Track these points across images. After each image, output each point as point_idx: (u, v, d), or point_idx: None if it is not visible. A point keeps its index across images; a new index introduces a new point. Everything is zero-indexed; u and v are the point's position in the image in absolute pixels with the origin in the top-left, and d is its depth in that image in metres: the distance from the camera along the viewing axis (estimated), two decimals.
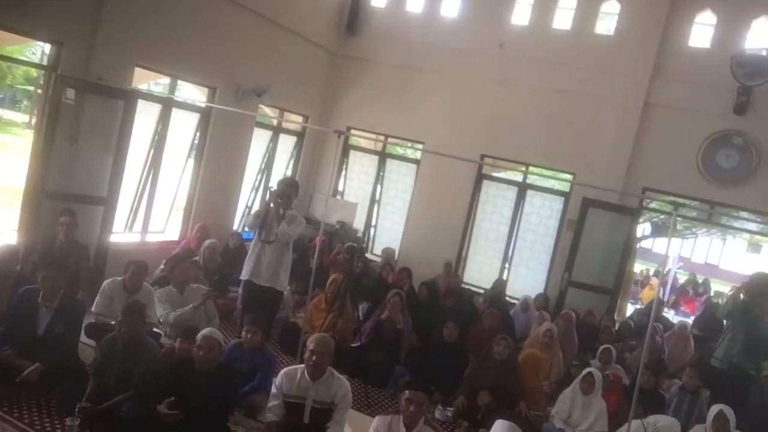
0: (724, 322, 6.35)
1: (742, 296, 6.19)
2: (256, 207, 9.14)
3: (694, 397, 5.82)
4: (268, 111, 9.82)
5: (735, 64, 8.02)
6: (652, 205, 9.99)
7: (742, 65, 8.00)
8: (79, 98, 6.21)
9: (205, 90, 8.34)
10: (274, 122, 10.00)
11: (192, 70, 7.80)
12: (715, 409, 5.14)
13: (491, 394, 5.62)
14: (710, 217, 9.98)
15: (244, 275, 5.87)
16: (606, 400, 5.60)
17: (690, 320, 10.28)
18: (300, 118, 10.36)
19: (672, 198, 8.60)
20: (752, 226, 10.50)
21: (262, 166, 9.69)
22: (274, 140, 9.81)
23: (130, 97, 6.68)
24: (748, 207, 8.77)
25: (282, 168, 10.14)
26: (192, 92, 8.77)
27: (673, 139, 8.63)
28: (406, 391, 3.97)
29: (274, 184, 6.36)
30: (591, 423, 5.39)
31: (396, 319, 6.34)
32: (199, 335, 4.21)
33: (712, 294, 16.14)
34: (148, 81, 8.95)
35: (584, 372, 5.56)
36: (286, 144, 10.20)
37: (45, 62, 6.67)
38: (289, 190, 5.82)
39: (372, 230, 10.74)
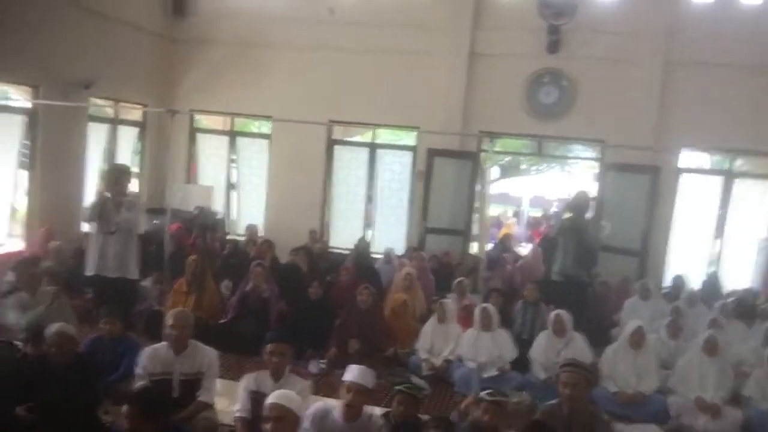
0: (558, 240, 7.05)
1: (567, 214, 6.92)
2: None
3: (535, 309, 6.50)
4: (102, 103, 9.42)
5: (541, 5, 8.74)
6: (495, 148, 10.74)
7: (547, 5, 8.72)
8: None
9: (28, 89, 7.86)
10: (111, 114, 9.60)
11: (7, 69, 7.31)
12: (552, 314, 5.82)
13: (360, 341, 5.98)
14: (541, 150, 10.89)
15: (90, 270, 5.71)
16: (464, 326, 6.13)
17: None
18: (138, 107, 10.02)
19: (505, 137, 9.46)
20: (583, 154, 11.63)
21: (104, 162, 9.30)
22: (112, 133, 9.43)
23: None
24: (573, 137, 9.71)
25: (126, 161, 9.78)
26: (14, 93, 8.23)
27: (499, 83, 9.32)
28: (268, 346, 4.17)
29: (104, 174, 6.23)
30: (451, 348, 5.89)
31: (261, 289, 6.48)
32: (48, 332, 4.14)
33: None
34: None
35: (440, 304, 6.04)
36: (128, 136, 9.84)
37: None
38: (119, 175, 5.73)
39: (233, 211, 10.70)
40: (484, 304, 5.60)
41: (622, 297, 7.59)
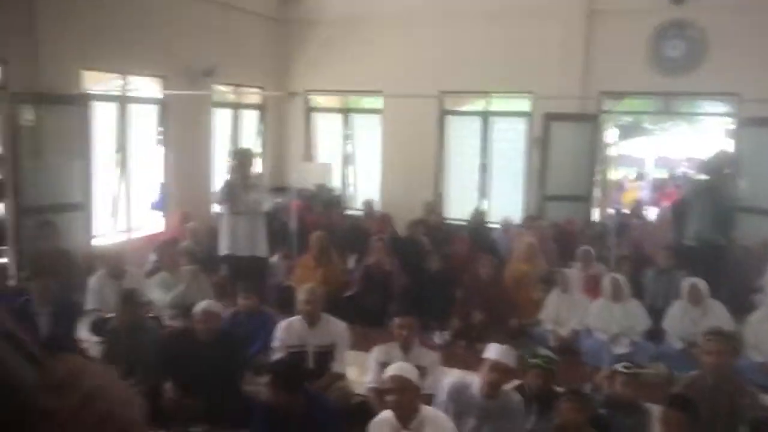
0: (693, 203, 6.61)
1: (703, 175, 6.47)
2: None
3: (669, 277, 6.16)
4: (223, 89, 9.89)
5: None
6: (615, 108, 10.21)
7: None
8: (35, 113, 6.31)
9: (158, 80, 8.40)
10: (232, 100, 10.08)
11: (139, 62, 7.85)
12: (687, 282, 5.50)
13: (482, 312, 5.96)
14: (668, 108, 10.20)
15: (223, 250, 6.04)
16: (590, 295, 5.94)
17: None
18: (257, 91, 10.44)
19: (629, 97, 8.94)
20: (713, 110, 10.75)
21: (230, 146, 9.81)
22: (236, 117, 9.91)
23: (81, 102, 6.78)
24: (703, 92, 9.01)
25: (250, 144, 10.26)
26: (146, 84, 8.82)
27: (620, 40, 8.79)
28: (396, 319, 4.28)
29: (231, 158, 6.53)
30: (578, 318, 5.73)
31: (382, 263, 6.61)
32: (196, 309, 4.44)
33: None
34: (105, 81, 8.99)
35: (561, 272, 5.88)
36: (250, 119, 10.31)
37: None
38: (244, 159, 6.00)
39: (351, 187, 10.94)
40: (614, 274, 5.38)
41: (763, 261, 7.02)
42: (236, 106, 10.04)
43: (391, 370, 3.23)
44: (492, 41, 9.32)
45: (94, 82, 7.64)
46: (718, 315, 5.33)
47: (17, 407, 0.64)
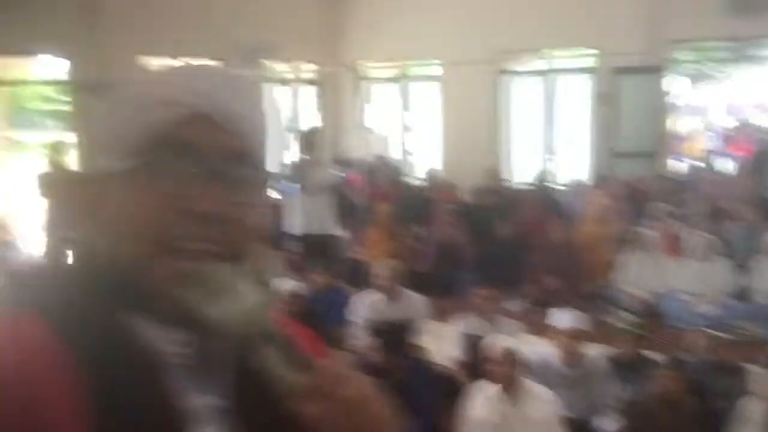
0: None
1: None
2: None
3: (754, 232, 5.88)
4: (278, 67, 9.93)
5: None
6: (682, 57, 9.74)
7: None
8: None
9: (216, 62, 8.49)
10: (289, 77, 10.12)
11: (195, 45, 7.92)
12: None
13: (557, 278, 5.87)
14: (741, 53, 9.66)
15: (294, 229, 6.07)
16: (669, 254, 5.76)
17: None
18: (312, 66, 10.43)
19: (699, 43, 8.49)
20: None
21: (291, 122, 9.89)
22: (294, 94, 9.97)
23: None
24: None
25: (310, 119, 10.31)
26: None
27: None
28: (479, 290, 4.27)
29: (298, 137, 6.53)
30: (656, 278, 5.57)
31: (452, 234, 6.57)
32: (284, 290, 4.53)
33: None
34: None
35: (637, 232, 5.72)
36: (307, 95, 10.34)
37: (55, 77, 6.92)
38: (311, 137, 6.01)
39: (409, 157, 10.87)
40: (697, 231, 5.18)
41: None
42: (294, 82, 10.08)
43: (501, 343, 3.23)
44: None
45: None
46: None
47: (281, 416, 0.66)
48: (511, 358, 3.10)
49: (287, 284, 4.59)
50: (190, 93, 0.67)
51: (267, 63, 8.98)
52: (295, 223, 6.15)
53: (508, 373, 3.09)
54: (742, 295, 5.32)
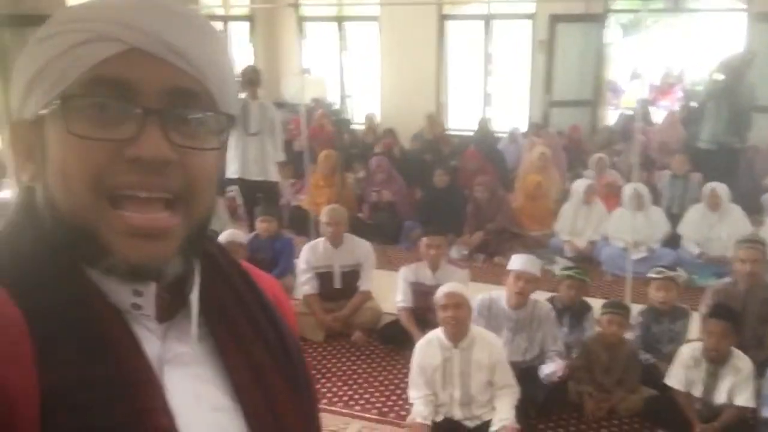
0: (707, 105, 6.46)
1: (719, 76, 6.28)
2: None
3: (685, 182, 6.13)
4: (211, 1, 9.40)
5: None
6: (618, 5, 9.84)
7: None
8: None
9: None
10: (220, 12, 9.61)
11: None
12: (708, 187, 5.47)
13: (495, 225, 5.96)
14: (677, 4, 9.86)
15: (233, 173, 5.83)
16: (606, 204, 5.92)
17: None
18: (245, 1, 9.92)
19: None
20: (718, 5, 10.40)
21: None
22: (224, 30, 9.47)
23: None
24: None
25: (241, 57, 9.86)
26: None
27: None
28: (424, 238, 4.24)
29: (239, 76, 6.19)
30: (594, 227, 5.74)
31: (387, 182, 6.52)
32: (220, 239, 4.35)
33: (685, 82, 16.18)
34: None
35: (577, 183, 5.84)
36: (240, 31, 9.85)
37: None
38: (253, 76, 5.71)
39: (348, 100, 10.64)
40: (634, 183, 5.32)
41: None
42: (225, 18, 9.57)
43: (447, 288, 3.22)
44: None
45: None
46: (736, 219, 5.33)
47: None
48: (458, 303, 3.10)
49: (229, 232, 4.41)
50: (125, 26, 0.60)
51: None
52: (234, 167, 5.89)
53: (456, 318, 3.09)
54: (673, 242, 5.55)
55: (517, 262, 3.57)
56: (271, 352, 0.73)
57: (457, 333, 3.14)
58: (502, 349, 3.26)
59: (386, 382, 3.83)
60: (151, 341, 0.65)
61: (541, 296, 3.85)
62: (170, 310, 0.68)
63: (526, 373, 3.44)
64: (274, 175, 6.02)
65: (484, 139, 8.44)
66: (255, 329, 0.73)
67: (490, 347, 3.14)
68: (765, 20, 7.88)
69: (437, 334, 3.20)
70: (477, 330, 3.24)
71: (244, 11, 9.96)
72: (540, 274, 3.70)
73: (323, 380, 3.85)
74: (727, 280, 3.91)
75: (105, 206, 0.61)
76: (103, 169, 0.60)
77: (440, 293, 3.22)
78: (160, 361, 0.65)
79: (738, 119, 6.22)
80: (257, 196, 5.88)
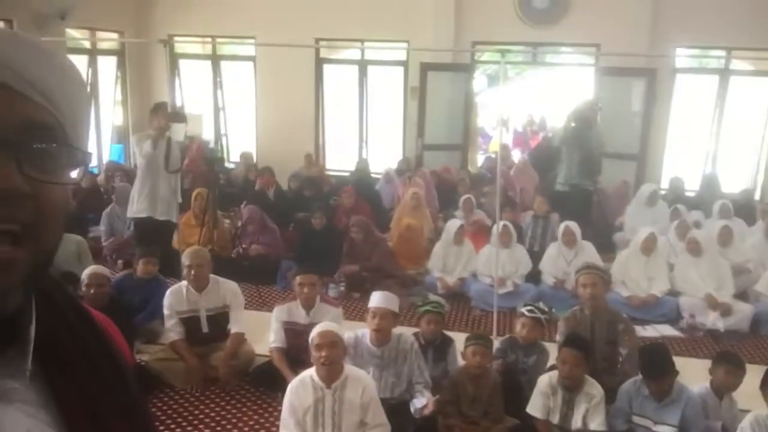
0: (562, 150, 7.01)
1: (572, 124, 6.86)
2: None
3: (545, 221, 6.57)
4: (78, 34, 8.98)
5: None
6: (484, 57, 10.51)
7: None
8: None
9: (5, 24, 7.43)
10: (87, 45, 9.19)
11: None
12: (562, 226, 5.90)
13: (370, 263, 6.05)
14: (535, 58, 10.70)
15: (140, 212, 5.47)
16: (475, 243, 6.20)
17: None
18: (115, 35, 9.57)
19: (499, 47, 9.23)
20: (573, 60, 11.39)
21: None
22: (92, 65, 9.05)
23: None
24: (567, 42, 9.48)
25: (109, 93, 9.46)
26: None
27: None
28: (297, 276, 4.21)
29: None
30: (464, 264, 5.99)
31: (263, 220, 6.47)
32: (84, 274, 4.13)
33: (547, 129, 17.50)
34: None
35: (449, 224, 6.09)
36: (107, 66, 9.46)
37: None
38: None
39: (224, 138, 10.46)
40: (504, 222, 5.64)
41: (621, 201, 7.69)
42: (92, 52, 9.16)
43: (321, 327, 3.21)
44: None
45: None
46: (589, 254, 5.77)
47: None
48: (332, 343, 3.10)
49: (93, 267, 4.19)
50: None
51: (63, 28, 8.03)
52: (142, 205, 5.53)
53: (330, 358, 3.09)
54: (535, 278, 5.90)
55: (373, 299, 3.65)
56: (107, 387, 0.71)
57: (331, 373, 3.13)
58: (374, 388, 3.28)
59: (257, 427, 3.72)
60: None
61: (411, 331, 3.95)
62: (2, 344, 0.65)
63: (395, 409, 3.49)
64: (175, 215, 5.77)
65: (362, 179, 8.60)
66: (91, 365, 0.71)
67: (362, 386, 3.15)
68: (610, 74, 8.74)
69: (311, 373, 3.17)
70: (350, 369, 3.25)
71: (112, 45, 9.59)
72: (398, 310, 3.78)
73: (190, 428, 3.68)
74: (576, 308, 4.20)
75: None
76: None
77: (314, 333, 3.21)
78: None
79: (589, 163, 6.80)
80: (155, 236, 5.56)
